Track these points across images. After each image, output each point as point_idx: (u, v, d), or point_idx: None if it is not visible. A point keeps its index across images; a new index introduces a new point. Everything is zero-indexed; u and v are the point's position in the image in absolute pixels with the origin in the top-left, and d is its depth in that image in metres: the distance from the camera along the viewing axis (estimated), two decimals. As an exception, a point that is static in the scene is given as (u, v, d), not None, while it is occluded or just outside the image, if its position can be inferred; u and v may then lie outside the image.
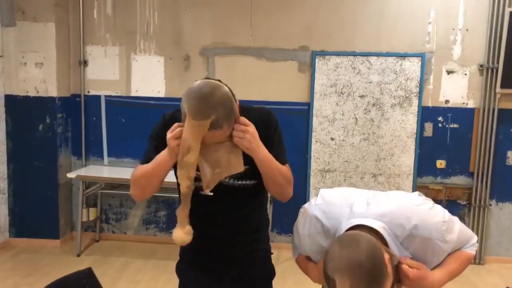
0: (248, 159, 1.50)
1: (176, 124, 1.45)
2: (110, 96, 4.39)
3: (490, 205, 4.18)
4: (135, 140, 4.39)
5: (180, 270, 1.75)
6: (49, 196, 4.27)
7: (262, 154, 1.50)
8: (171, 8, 4.22)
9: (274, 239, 4.20)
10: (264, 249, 1.74)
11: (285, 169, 1.59)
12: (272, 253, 1.78)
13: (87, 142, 4.46)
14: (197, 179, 1.52)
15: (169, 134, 1.45)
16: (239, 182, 1.57)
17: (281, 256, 3.87)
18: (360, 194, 1.50)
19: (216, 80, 1.43)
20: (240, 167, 1.50)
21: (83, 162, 4.45)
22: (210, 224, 1.62)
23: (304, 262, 1.56)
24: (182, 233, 1.49)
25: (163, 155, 1.49)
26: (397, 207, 1.37)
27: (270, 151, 1.53)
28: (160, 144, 1.53)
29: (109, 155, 4.48)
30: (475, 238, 1.51)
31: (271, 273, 1.76)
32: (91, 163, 4.48)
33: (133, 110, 4.38)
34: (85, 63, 4.35)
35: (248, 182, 1.58)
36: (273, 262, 1.80)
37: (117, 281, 3.62)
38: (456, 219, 1.46)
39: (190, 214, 1.61)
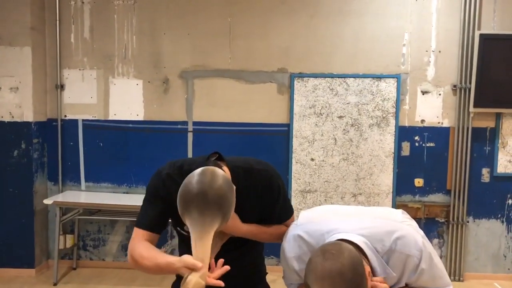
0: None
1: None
2: (88, 120, 4.33)
3: (468, 222, 4.26)
4: (113, 164, 4.33)
5: None
6: (25, 224, 4.14)
7: (241, 233, 1.50)
8: (150, 32, 4.23)
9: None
10: (259, 270, 1.74)
11: (278, 232, 1.57)
12: (267, 273, 1.78)
13: (64, 167, 4.37)
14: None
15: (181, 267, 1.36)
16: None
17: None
18: (341, 209, 1.52)
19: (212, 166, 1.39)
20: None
21: (60, 187, 4.36)
22: None
23: None
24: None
25: (172, 265, 1.38)
26: (379, 222, 1.38)
27: (272, 215, 1.55)
28: (163, 205, 1.49)
29: (86, 180, 4.39)
30: (451, 287, 1.46)
31: None
32: (68, 188, 4.38)
33: (111, 134, 4.33)
34: (62, 87, 4.30)
35: None
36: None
37: (96, 310, 3.52)
38: (435, 252, 1.44)
39: (187, 251, 1.63)
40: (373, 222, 1.38)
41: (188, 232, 1.54)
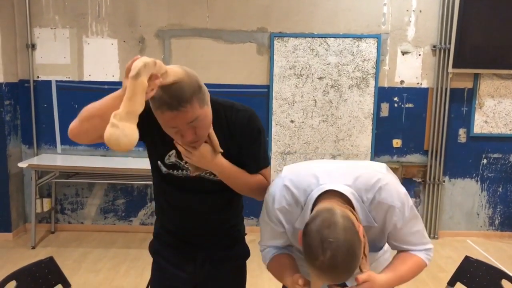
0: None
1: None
2: (62, 81, 4.20)
3: (444, 181, 4.34)
4: (89, 126, 4.24)
5: (154, 249, 1.72)
6: (-1, 188, 4.07)
7: (218, 171, 1.46)
8: (124, -12, 4.07)
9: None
10: (238, 230, 1.72)
11: (254, 181, 1.53)
12: (246, 234, 1.76)
13: (38, 130, 4.26)
14: (177, 167, 1.50)
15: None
16: (216, 178, 1.52)
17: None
18: (325, 162, 1.51)
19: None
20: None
21: (35, 150, 4.26)
22: (185, 214, 1.60)
23: (277, 268, 1.49)
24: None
25: (116, 92, 1.30)
26: (364, 172, 1.38)
27: (248, 159, 1.51)
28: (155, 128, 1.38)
29: (62, 143, 4.30)
30: (431, 245, 1.47)
31: (245, 254, 1.74)
32: (43, 151, 4.29)
33: (86, 95, 4.21)
34: (33, 46, 4.13)
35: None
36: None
37: (76, 271, 3.50)
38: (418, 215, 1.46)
39: (165, 203, 1.63)
40: (359, 172, 1.38)
41: (167, 168, 1.53)
